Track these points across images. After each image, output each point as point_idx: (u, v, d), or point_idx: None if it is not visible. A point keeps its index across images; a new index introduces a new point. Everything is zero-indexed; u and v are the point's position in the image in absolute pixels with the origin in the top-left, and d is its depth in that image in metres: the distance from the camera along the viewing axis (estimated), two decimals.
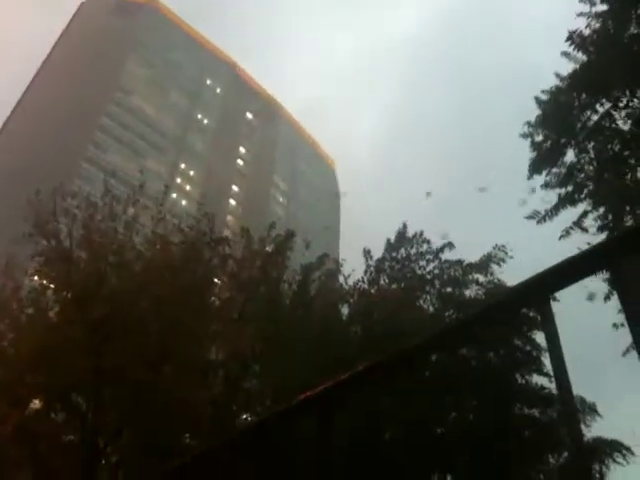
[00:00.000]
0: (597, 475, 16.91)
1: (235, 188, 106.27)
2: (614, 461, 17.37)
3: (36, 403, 18.00)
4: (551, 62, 14.48)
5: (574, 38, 13.73)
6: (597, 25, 13.65)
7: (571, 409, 1.77)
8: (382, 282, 19.88)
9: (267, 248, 20.44)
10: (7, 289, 18.06)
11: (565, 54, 14.18)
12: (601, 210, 13.54)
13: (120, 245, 18.26)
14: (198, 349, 18.35)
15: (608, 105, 13.47)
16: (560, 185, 14.10)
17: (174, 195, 73.89)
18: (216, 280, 20.58)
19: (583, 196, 13.83)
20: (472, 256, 19.18)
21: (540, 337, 16.16)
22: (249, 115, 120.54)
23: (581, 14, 13.68)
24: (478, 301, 18.01)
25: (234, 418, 18.63)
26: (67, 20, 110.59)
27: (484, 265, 18.76)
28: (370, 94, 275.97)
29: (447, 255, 19.49)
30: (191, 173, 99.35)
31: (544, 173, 14.40)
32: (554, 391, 14.94)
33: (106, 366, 16.02)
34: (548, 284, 1.75)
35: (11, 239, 18.41)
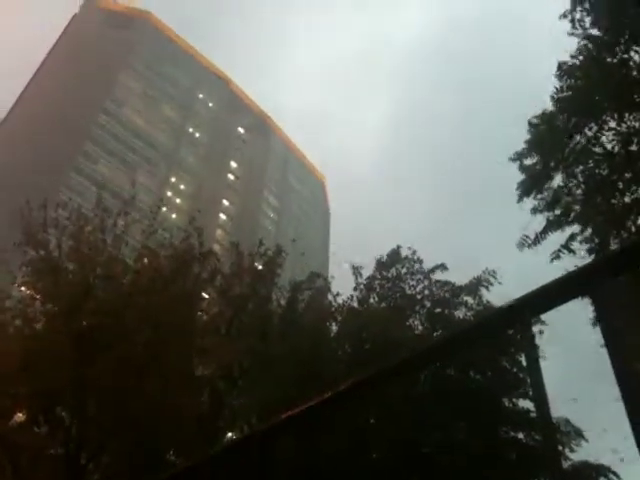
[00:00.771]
0: None
1: (225, 202, 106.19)
2: None
3: (20, 415, 17.82)
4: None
5: (563, 69, 14.02)
6: (587, 48, 13.89)
7: (550, 434, 1.81)
8: (372, 300, 19.87)
9: (256, 264, 20.44)
10: None
11: (557, 77, 14.39)
12: (588, 233, 13.67)
13: (109, 257, 18.21)
14: (185, 363, 18.26)
15: (596, 129, 13.66)
16: (548, 209, 14.23)
17: (164, 208, 73.72)
18: (204, 294, 20.54)
19: (571, 219, 13.96)
20: (468, 274, 19.28)
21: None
22: (240, 130, 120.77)
23: (572, 34, 13.92)
24: (466, 322, 18.03)
25: (219, 434, 18.50)
26: (60, 30, 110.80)
27: (473, 288, 18.82)
28: (370, 99, 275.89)
29: (439, 275, 19.55)
30: (181, 187, 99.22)
31: (535, 196, 14.54)
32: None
33: (91, 379, 15.91)
34: (529, 307, 1.80)
35: (0, 248, 18.33)
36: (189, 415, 17.41)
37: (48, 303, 17.87)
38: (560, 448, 14.22)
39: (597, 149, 13.70)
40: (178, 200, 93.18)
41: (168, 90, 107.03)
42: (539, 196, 14.48)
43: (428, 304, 19.23)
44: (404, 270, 19.96)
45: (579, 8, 13.93)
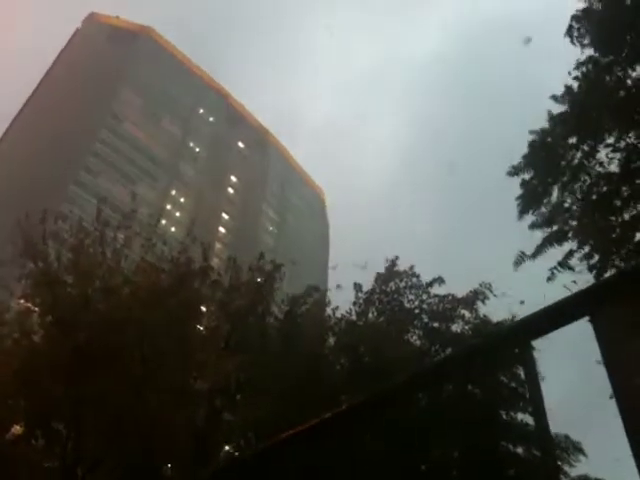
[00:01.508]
0: None
1: (225, 216, 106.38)
2: None
3: (17, 428, 17.75)
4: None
5: (558, 98, 14.18)
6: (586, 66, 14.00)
7: (548, 448, 1.81)
8: (370, 315, 19.87)
9: (255, 279, 20.45)
10: None
11: (554, 98, 14.49)
12: (586, 249, 13.68)
13: (108, 270, 18.20)
14: (182, 378, 18.20)
15: (593, 145, 13.73)
16: (546, 225, 14.26)
17: (164, 221, 73.77)
18: (203, 308, 20.51)
19: (569, 236, 13.98)
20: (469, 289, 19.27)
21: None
22: (240, 144, 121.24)
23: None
24: (464, 337, 18.02)
25: (216, 450, 18.41)
26: (62, 45, 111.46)
27: (470, 301, 18.84)
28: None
29: (437, 290, 19.56)
30: (181, 200, 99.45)
31: (533, 212, 14.58)
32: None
33: (88, 393, 15.86)
34: (529, 330, 1.81)
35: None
36: (185, 430, 17.34)
37: (46, 316, 17.83)
38: (559, 463, 14.14)
39: (595, 166, 13.76)
40: (178, 213, 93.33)
41: (169, 105, 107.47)
42: (537, 212, 14.52)
43: (425, 318, 19.25)
44: (402, 284, 19.99)
45: (577, 26, 14.05)
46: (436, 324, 19.08)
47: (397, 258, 20.63)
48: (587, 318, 1.91)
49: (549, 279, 13.64)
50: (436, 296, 19.40)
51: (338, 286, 21.63)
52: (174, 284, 18.44)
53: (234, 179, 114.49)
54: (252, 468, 2.55)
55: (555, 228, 14.17)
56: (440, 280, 19.54)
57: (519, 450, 17.09)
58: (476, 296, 18.83)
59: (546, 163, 14.38)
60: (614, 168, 13.52)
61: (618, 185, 13.34)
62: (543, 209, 14.41)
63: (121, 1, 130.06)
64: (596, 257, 13.57)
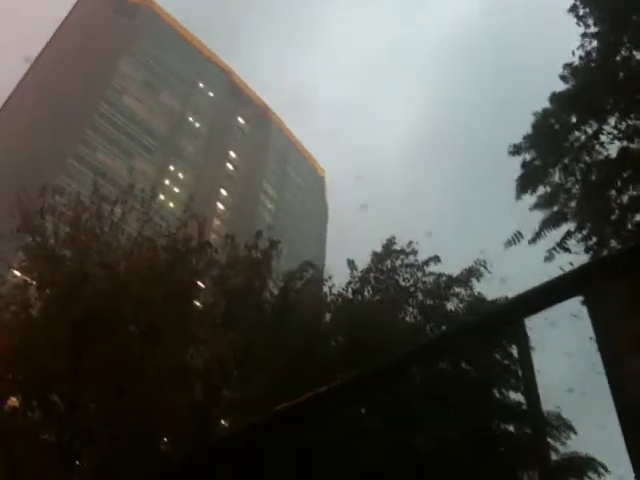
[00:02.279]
0: None
1: (224, 192, 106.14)
2: (589, 478, 17.44)
3: (14, 400, 17.85)
4: None
5: (565, 76, 14.06)
6: (590, 46, 13.90)
7: (539, 426, 1.82)
8: (366, 293, 19.92)
9: (253, 255, 20.45)
10: None
11: (562, 78, 14.40)
12: (585, 231, 13.69)
13: (105, 245, 18.18)
14: (180, 353, 18.29)
15: (596, 127, 13.67)
16: (546, 205, 14.25)
17: (162, 197, 73.64)
18: (200, 284, 20.54)
19: (569, 217, 13.98)
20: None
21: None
22: (241, 120, 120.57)
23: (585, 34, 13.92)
24: (458, 315, 18.10)
25: (214, 424, 18.56)
26: (63, 16, 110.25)
27: (465, 279, 18.90)
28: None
29: (433, 268, 19.59)
30: (180, 175, 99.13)
31: (532, 192, 14.55)
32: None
33: (86, 366, 15.94)
34: (523, 308, 1.81)
35: None
36: (183, 406, 17.45)
37: (44, 290, 17.86)
38: (549, 440, 14.28)
39: (596, 146, 13.72)
40: (176, 189, 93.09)
41: (169, 79, 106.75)
42: (537, 192, 14.51)
43: (420, 296, 19.32)
44: (399, 262, 20.02)
45: (582, 5, 13.93)
46: (431, 302, 19.16)
47: (394, 237, 20.60)
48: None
49: (547, 259, 13.68)
50: (431, 274, 19.45)
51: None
52: (172, 260, 18.44)
53: (233, 155, 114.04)
54: (247, 442, 2.56)
55: (555, 209, 14.17)
56: (436, 259, 19.56)
57: (510, 428, 17.26)
58: (471, 274, 18.89)
59: (548, 143, 14.34)
60: (615, 148, 13.50)
61: (618, 168, 13.31)
62: (543, 189, 14.39)
63: None
64: (594, 239, 13.59)
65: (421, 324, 18.91)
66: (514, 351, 16.65)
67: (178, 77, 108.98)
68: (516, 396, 17.18)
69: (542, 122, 14.72)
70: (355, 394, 2.39)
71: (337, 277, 20.93)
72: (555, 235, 13.96)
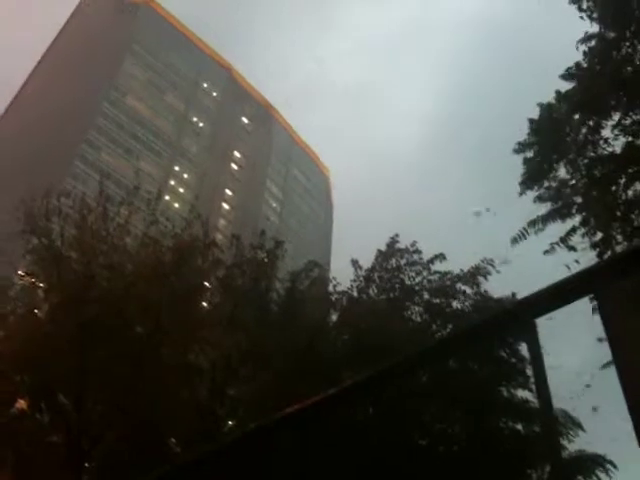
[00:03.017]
0: None
1: (228, 192, 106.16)
2: (596, 477, 17.44)
3: (21, 402, 17.91)
4: None
5: (568, 74, 14.04)
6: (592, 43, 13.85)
7: (552, 428, 1.82)
8: (371, 292, 19.88)
9: (258, 255, 20.45)
10: None
11: (564, 77, 14.35)
12: (590, 227, 13.65)
13: (111, 246, 18.22)
14: (185, 353, 18.32)
15: (599, 121, 13.64)
16: (551, 200, 14.21)
17: (167, 197, 73.69)
18: (206, 284, 20.56)
19: (574, 211, 13.94)
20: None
21: (525, 349, 16.21)
22: (244, 119, 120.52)
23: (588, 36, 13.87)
24: (465, 313, 18.06)
25: (219, 424, 18.58)
26: (66, 17, 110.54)
27: (471, 277, 18.84)
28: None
29: (440, 266, 19.55)
30: (185, 176, 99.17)
31: (537, 189, 14.51)
32: (537, 405, 15.01)
33: (92, 367, 15.98)
34: (533, 308, 1.80)
35: (3, 237, 18.31)
36: (189, 405, 17.50)
37: (51, 291, 17.91)
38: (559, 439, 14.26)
39: (600, 142, 13.68)
40: (181, 189, 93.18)
41: (172, 79, 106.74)
42: (542, 188, 14.46)
43: (426, 295, 19.26)
44: (403, 261, 19.96)
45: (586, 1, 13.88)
46: (437, 300, 19.11)
47: (397, 236, 20.54)
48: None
49: (546, 252, 13.65)
50: (437, 272, 19.39)
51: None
52: (177, 260, 18.47)
53: (238, 155, 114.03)
54: (254, 444, 2.56)
55: (560, 204, 14.12)
56: (441, 257, 19.50)
57: (518, 426, 17.26)
58: (477, 272, 18.83)
59: (552, 139, 14.30)
60: (619, 144, 13.45)
61: (623, 163, 13.27)
62: (547, 184, 14.35)
63: None
64: (599, 235, 13.55)
65: (427, 323, 18.88)
66: (520, 349, 16.66)
67: (181, 76, 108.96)
68: (523, 394, 17.20)
69: (545, 117, 14.68)
70: (365, 395, 2.39)
71: (344, 274, 20.93)
72: (558, 231, 13.93)
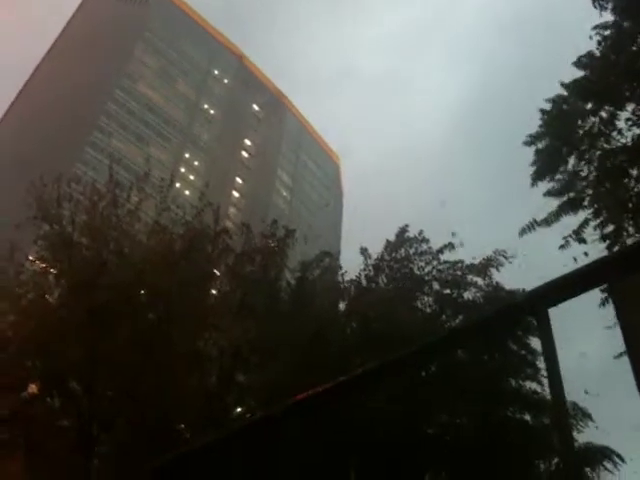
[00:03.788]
0: None
1: (239, 180, 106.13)
2: (605, 469, 17.40)
3: (32, 387, 18.04)
4: None
5: (581, 61, 13.89)
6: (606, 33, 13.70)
7: (564, 419, 1.81)
8: (380, 281, 19.86)
9: (268, 244, 20.46)
10: (9, 273, 18.02)
11: (576, 64, 14.21)
12: (601, 219, 13.56)
13: (122, 233, 18.26)
14: (194, 340, 18.39)
15: (612, 112, 13.52)
16: (562, 192, 14.12)
17: (177, 184, 73.71)
18: (216, 272, 20.59)
19: (586, 203, 13.85)
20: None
21: (535, 342, 16.20)
22: (255, 107, 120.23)
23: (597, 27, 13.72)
24: (476, 304, 18.00)
25: (227, 411, 18.69)
26: (77, 4, 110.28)
27: (483, 268, 18.75)
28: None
29: (447, 256, 19.47)
30: (195, 163, 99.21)
31: (549, 180, 14.42)
32: (546, 396, 15.01)
33: (102, 353, 16.07)
34: (547, 298, 1.79)
35: (14, 223, 18.38)
36: (199, 392, 17.58)
37: (62, 277, 17.99)
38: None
39: (613, 133, 13.56)
40: (191, 176, 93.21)
41: (183, 66, 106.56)
42: (557, 177, 14.35)
43: (436, 285, 19.20)
44: (412, 250, 19.88)
45: None
46: (447, 291, 19.06)
47: (407, 226, 20.46)
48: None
49: (562, 247, 13.57)
50: (446, 262, 19.32)
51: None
52: (187, 248, 18.49)
53: (248, 143, 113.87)
54: (264, 431, 2.56)
55: (571, 195, 14.04)
56: (450, 246, 19.38)
57: (527, 417, 17.25)
58: (489, 263, 18.74)
59: (563, 131, 14.19)
60: (631, 135, 13.32)
61: (634, 155, 13.16)
62: (559, 176, 14.25)
63: None
64: (610, 227, 13.46)
65: (437, 313, 18.84)
66: (530, 341, 16.63)
67: (192, 63, 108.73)
68: (532, 385, 17.17)
69: (556, 109, 14.56)
70: (376, 383, 2.39)
71: (354, 263, 20.88)
72: (570, 224, 13.83)
